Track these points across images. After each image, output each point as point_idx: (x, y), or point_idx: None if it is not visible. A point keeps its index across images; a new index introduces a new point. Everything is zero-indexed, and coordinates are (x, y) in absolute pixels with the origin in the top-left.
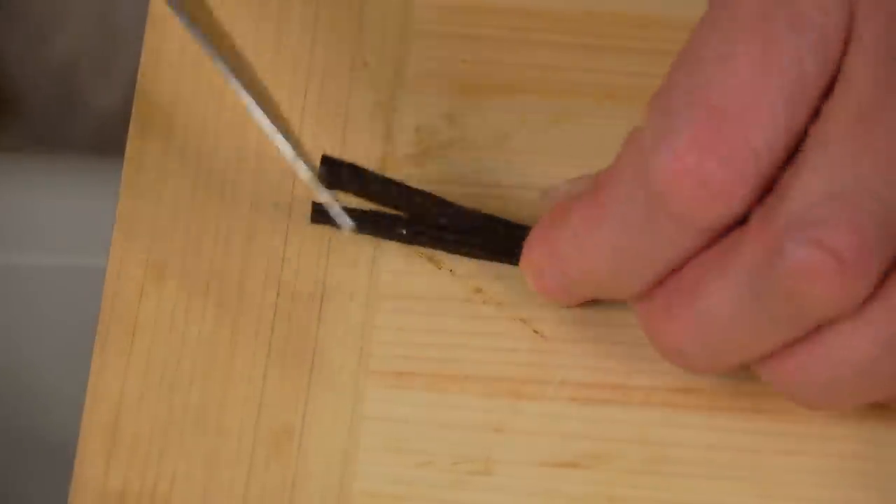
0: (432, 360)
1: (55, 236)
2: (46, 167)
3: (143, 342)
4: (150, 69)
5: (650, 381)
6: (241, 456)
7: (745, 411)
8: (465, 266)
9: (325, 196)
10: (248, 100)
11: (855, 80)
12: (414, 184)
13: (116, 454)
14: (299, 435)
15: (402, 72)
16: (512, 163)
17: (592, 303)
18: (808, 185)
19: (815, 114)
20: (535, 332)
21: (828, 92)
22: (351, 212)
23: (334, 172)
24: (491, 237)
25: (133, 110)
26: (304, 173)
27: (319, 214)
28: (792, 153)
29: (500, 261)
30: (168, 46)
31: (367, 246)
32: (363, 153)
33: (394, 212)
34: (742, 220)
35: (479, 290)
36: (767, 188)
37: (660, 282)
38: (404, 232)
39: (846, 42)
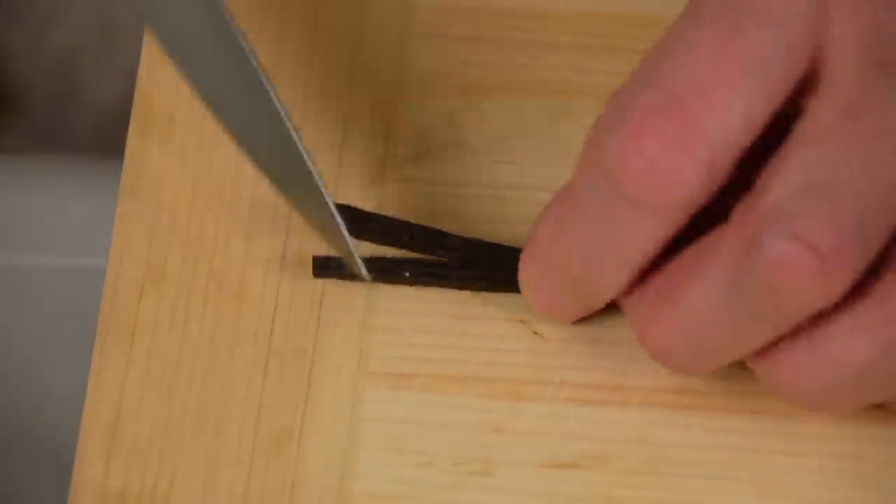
0: (432, 361)
1: (55, 237)
2: (47, 167)
3: (142, 342)
4: (150, 69)
5: (649, 381)
6: (240, 456)
7: (744, 412)
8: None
9: (349, 249)
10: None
11: (837, 81)
12: (414, 184)
13: (116, 454)
14: (299, 435)
15: (401, 73)
16: (512, 164)
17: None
18: (787, 180)
19: (795, 111)
20: (535, 333)
21: (805, 90)
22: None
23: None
24: (495, 266)
25: (133, 110)
26: (343, 231)
27: (321, 269)
28: (759, 147)
29: (507, 290)
30: None
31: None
32: (363, 154)
33: (394, 252)
34: (722, 218)
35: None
36: (737, 180)
37: (642, 281)
38: (407, 274)
39: (820, 41)
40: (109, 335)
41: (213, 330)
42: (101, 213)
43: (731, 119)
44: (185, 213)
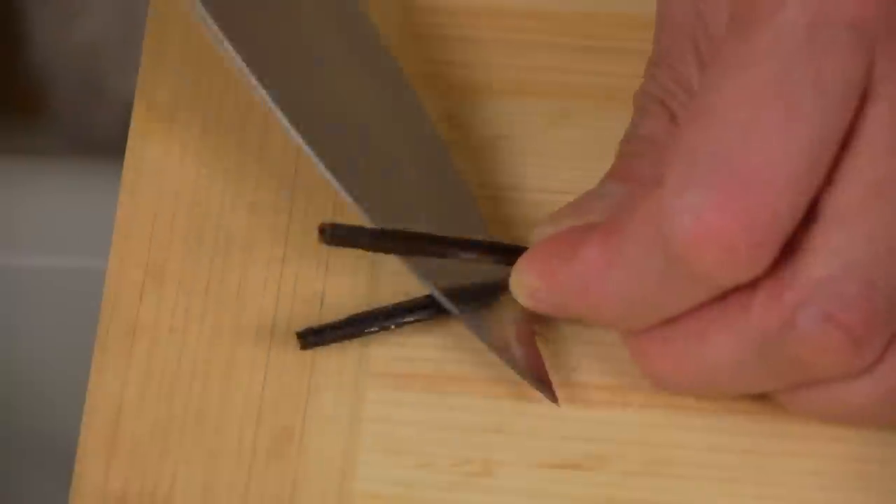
0: (432, 362)
1: (56, 237)
2: (47, 168)
3: (143, 343)
4: (150, 69)
5: (650, 382)
6: (241, 457)
7: (746, 413)
8: None
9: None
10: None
11: (870, 145)
12: None
13: (117, 455)
14: (300, 436)
15: (402, 73)
16: (511, 164)
17: None
18: (822, 257)
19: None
20: (536, 333)
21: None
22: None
23: (337, 237)
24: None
25: (134, 110)
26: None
27: (307, 340)
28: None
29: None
30: (168, 46)
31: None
32: None
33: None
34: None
35: None
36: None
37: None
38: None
39: (864, 101)
40: (110, 335)
41: (213, 330)
42: (102, 214)
43: (797, 196)
44: (185, 214)
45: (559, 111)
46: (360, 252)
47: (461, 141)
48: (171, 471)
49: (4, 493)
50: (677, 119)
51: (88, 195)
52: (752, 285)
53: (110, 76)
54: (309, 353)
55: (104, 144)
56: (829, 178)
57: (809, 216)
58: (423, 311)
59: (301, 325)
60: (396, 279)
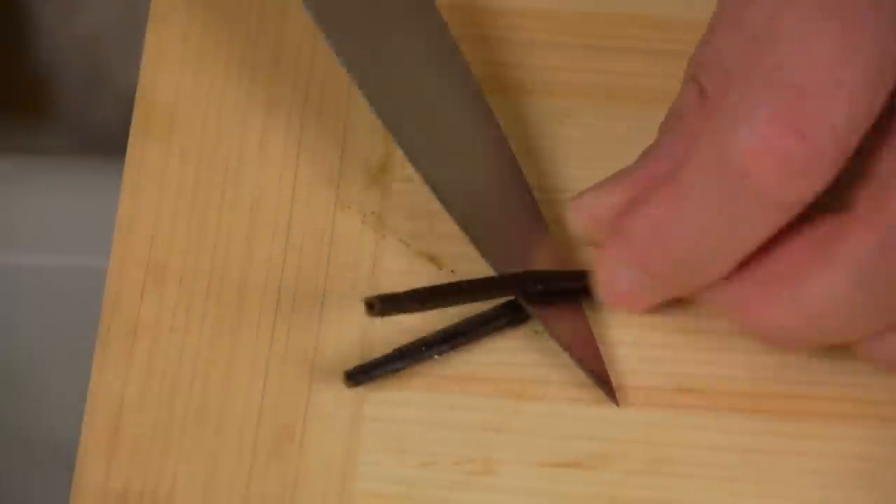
0: (433, 361)
1: (56, 236)
2: (47, 167)
3: (143, 342)
4: (150, 69)
5: (651, 381)
6: (242, 456)
7: (747, 412)
8: (467, 266)
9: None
10: None
11: None
12: (414, 184)
13: (117, 455)
14: (300, 435)
15: None
16: None
17: (593, 304)
18: None
19: None
20: (537, 332)
21: None
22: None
23: (386, 307)
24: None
25: (134, 109)
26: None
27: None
28: (876, 128)
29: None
30: (168, 46)
31: (368, 246)
32: (364, 153)
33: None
34: (835, 203)
35: None
36: (857, 168)
37: (746, 266)
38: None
39: None
40: (111, 335)
41: (214, 330)
42: (102, 213)
43: (856, 109)
44: (186, 213)
45: (560, 110)
46: (361, 249)
47: None
48: (172, 470)
49: (4, 492)
50: (705, 92)
51: (90, 193)
52: (845, 212)
53: (113, 71)
54: (310, 351)
55: (107, 142)
56: None
57: None
58: (495, 321)
59: (303, 323)
60: (397, 277)
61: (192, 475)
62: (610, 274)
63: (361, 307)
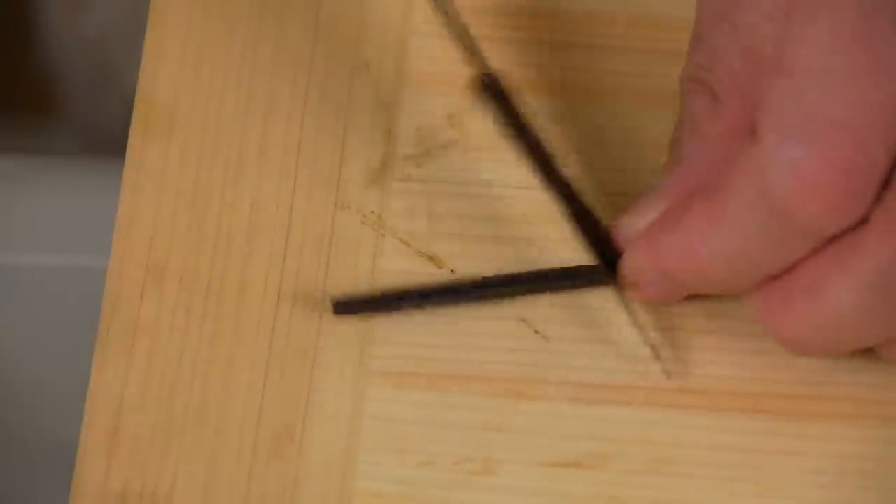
0: (433, 360)
1: (55, 236)
2: (46, 167)
3: (143, 342)
4: (150, 69)
5: (651, 381)
6: (242, 456)
7: (747, 411)
8: (466, 265)
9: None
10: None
11: None
12: (415, 184)
13: (117, 455)
14: (300, 435)
15: (402, 72)
16: (512, 163)
17: (594, 303)
18: None
19: None
20: (536, 332)
21: None
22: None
23: (349, 307)
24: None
25: (134, 109)
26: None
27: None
28: None
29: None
30: (168, 46)
31: (368, 245)
32: (363, 154)
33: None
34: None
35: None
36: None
37: (768, 280)
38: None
39: None
40: (111, 335)
41: (214, 329)
42: (102, 213)
43: (892, 137)
44: (186, 212)
45: (560, 109)
46: (361, 249)
47: (462, 140)
48: (172, 470)
49: (4, 492)
50: (717, 94)
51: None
52: (864, 229)
53: (119, 72)
54: (310, 351)
55: (112, 143)
56: None
57: None
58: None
59: (302, 323)
60: (397, 277)
61: (192, 475)
62: (635, 275)
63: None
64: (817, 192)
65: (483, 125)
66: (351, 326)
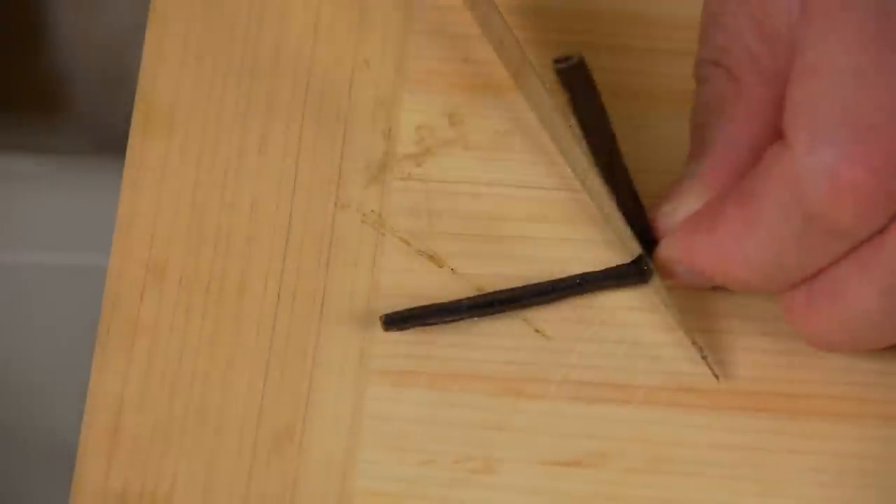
0: (433, 359)
1: (55, 236)
2: (46, 167)
3: (143, 342)
4: (150, 69)
5: (651, 380)
6: (242, 456)
7: (747, 410)
8: (467, 265)
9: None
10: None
11: None
12: (415, 182)
13: (117, 454)
14: (300, 434)
15: (402, 71)
16: (513, 161)
17: (594, 302)
18: None
19: None
20: (537, 331)
21: None
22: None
23: (397, 321)
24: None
25: (134, 109)
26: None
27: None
28: None
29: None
30: (168, 46)
31: (368, 244)
32: (364, 152)
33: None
34: None
35: (480, 289)
36: None
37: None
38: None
39: None
40: (111, 334)
41: (214, 329)
42: (102, 213)
43: None
44: (186, 212)
45: (561, 108)
46: (361, 248)
47: (462, 138)
48: (172, 469)
49: (4, 492)
50: (735, 74)
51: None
52: (883, 230)
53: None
54: (310, 350)
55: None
56: None
57: None
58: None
59: (302, 322)
60: (397, 276)
61: (192, 474)
62: (669, 266)
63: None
64: (852, 195)
65: (483, 124)
66: (351, 325)
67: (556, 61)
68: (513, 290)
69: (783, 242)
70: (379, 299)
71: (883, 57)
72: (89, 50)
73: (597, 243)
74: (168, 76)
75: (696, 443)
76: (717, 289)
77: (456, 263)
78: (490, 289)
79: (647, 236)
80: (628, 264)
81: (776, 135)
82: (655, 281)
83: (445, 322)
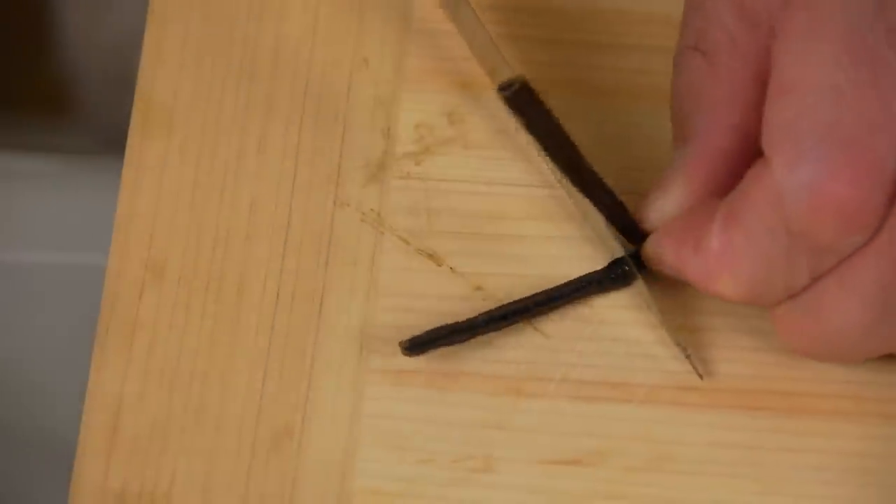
0: (433, 358)
1: (55, 235)
2: (46, 167)
3: (143, 341)
4: (150, 69)
5: (651, 379)
6: (241, 455)
7: (747, 409)
8: (466, 263)
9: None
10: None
11: None
12: (414, 181)
13: (116, 453)
14: (299, 433)
15: (401, 69)
16: (512, 160)
17: (594, 301)
18: None
19: None
20: (536, 329)
21: None
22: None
23: (418, 346)
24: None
25: (133, 109)
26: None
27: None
28: None
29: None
30: (168, 46)
31: (367, 243)
32: (363, 151)
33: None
34: None
35: (479, 288)
36: None
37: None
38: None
39: None
40: (110, 333)
41: (213, 328)
42: (102, 212)
43: None
44: (185, 211)
45: (559, 107)
46: (360, 247)
47: (461, 137)
48: (171, 468)
49: (4, 491)
50: (713, 57)
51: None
52: (864, 245)
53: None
54: (309, 349)
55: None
56: None
57: None
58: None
59: (301, 321)
60: (396, 275)
61: (191, 473)
62: (657, 264)
63: (359, 309)
64: (834, 210)
65: (482, 123)
66: (350, 325)
67: (501, 88)
68: (524, 299)
69: (769, 261)
70: (378, 298)
71: (859, 73)
72: (95, 51)
73: (597, 241)
74: (167, 77)
75: (696, 441)
76: (690, 297)
77: (455, 262)
78: (490, 287)
79: (634, 231)
80: (606, 268)
81: (758, 116)
82: (638, 282)
83: (464, 341)
